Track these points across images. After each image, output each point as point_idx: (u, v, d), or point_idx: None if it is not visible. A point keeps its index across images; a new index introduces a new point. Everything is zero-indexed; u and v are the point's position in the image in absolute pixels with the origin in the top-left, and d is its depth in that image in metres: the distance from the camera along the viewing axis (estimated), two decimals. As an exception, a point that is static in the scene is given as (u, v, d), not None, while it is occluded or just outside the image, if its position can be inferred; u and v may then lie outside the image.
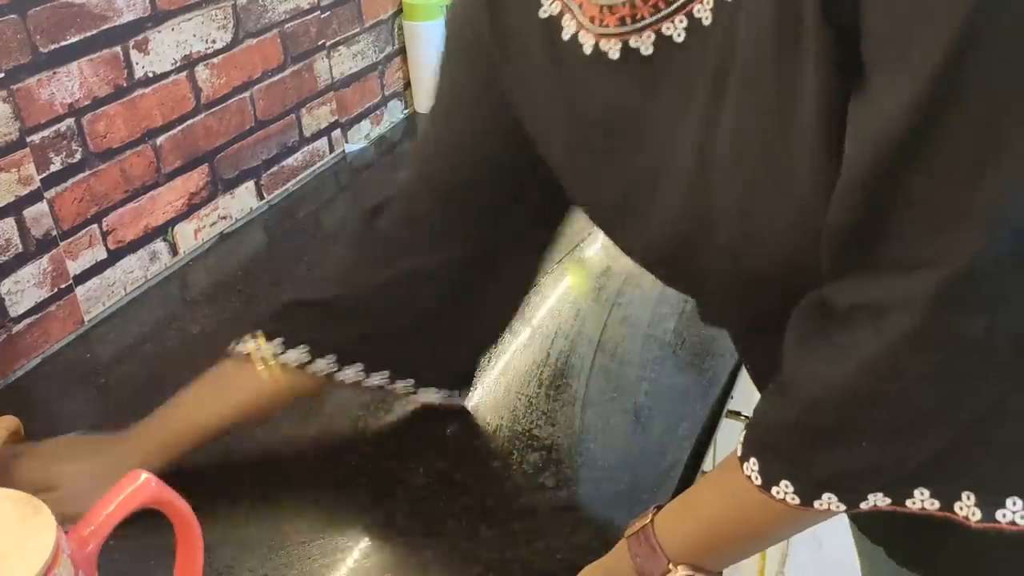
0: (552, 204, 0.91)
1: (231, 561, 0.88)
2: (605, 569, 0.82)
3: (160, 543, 0.89)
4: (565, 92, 0.77)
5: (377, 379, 0.96)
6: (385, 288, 0.93)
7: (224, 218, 1.44)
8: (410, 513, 0.92)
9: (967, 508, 0.65)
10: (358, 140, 1.72)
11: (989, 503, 0.65)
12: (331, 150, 1.66)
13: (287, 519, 0.92)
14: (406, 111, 1.85)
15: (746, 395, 1.23)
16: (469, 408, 1.05)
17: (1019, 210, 0.56)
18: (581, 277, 1.27)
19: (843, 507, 0.68)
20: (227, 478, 0.98)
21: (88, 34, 1.17)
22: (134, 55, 1.24)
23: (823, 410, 0.67)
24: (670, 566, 0.77)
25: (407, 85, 1.84)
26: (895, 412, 0.64)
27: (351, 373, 0.95)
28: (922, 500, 0.66)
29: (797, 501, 0.69)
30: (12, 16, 1.08)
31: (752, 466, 0.71)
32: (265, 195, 1.52)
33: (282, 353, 0.93)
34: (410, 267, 0.92)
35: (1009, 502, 0.65)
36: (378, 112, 1.77)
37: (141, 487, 0.70)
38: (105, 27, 1.19)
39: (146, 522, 0.90)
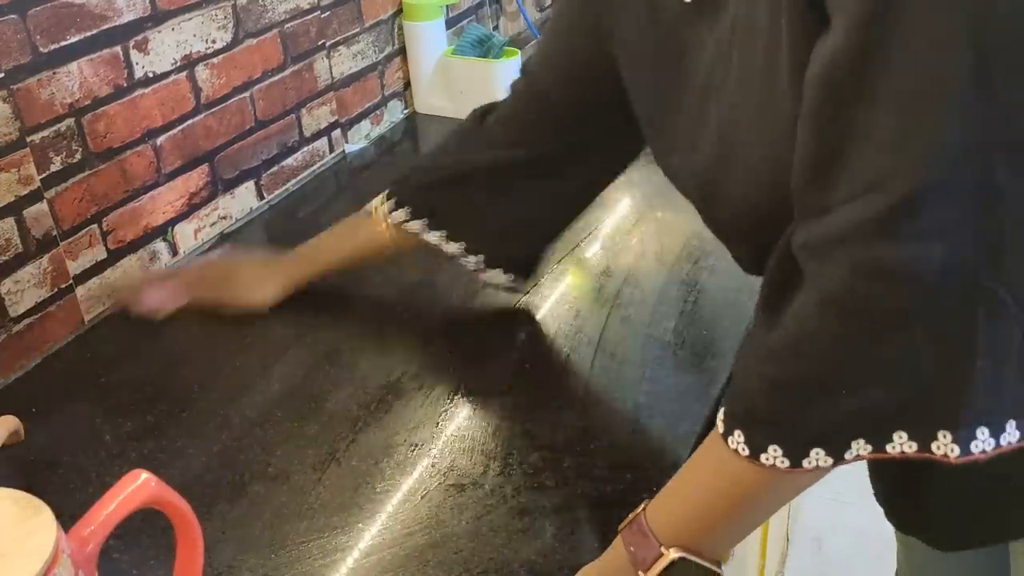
0: (625, 132, 1.03)
1: (231, 561, 0.88)
2: (602, 566, 0.82)
3: (160, 543, 0.90)
4: (655, 33, 0.87)
5: (455, 248, 1.13)
6: (478, 171, 1.10)
7: (224, 218, 1.44)
8: (410, 513, 0.92)
9: (945, 446, 0.67)
10: (358, 140, 1.72)
11: (964, 438, 0.66)
12: (331, 150, 1.66)
13: (287, 519, 0.92)
14: (406, 111, 1.85)
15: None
16: (469, 408, 1.05)
17: (954, 141, 0.60)
18: (581, 277, 1.27)
19: (830, 461, 0.69)
20: (227, 478, 0.98)
21: (88, 34, 1.17)
22: (134, 55, 1.24)
23: (797, 362, 0.69)
24: (663, 550, 0.77)
25: (407, 85, 1.84)
26: (863, 352, 0.66)
27: (435, 237, 1.12)
28: (901, 444, 0.67)
29: (787, 464, 0.70)
30: (12, 16, 1.08)
31: (737, 439, 0.72)
32: (265, 195, 1.52)
33: (391, 212, 1.13)
34: (501, 157, 1.09)
35: (979, 432, 0.66)
36: (378, 112, 1.77)
37: (141, 487, 0.70)
38: (105, 27, 1.19)
39: (146, 522, 0.90)
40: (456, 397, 1.07)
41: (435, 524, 0.90)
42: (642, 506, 0.81)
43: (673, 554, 0.77)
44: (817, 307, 0.67)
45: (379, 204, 1.15)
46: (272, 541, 0.90)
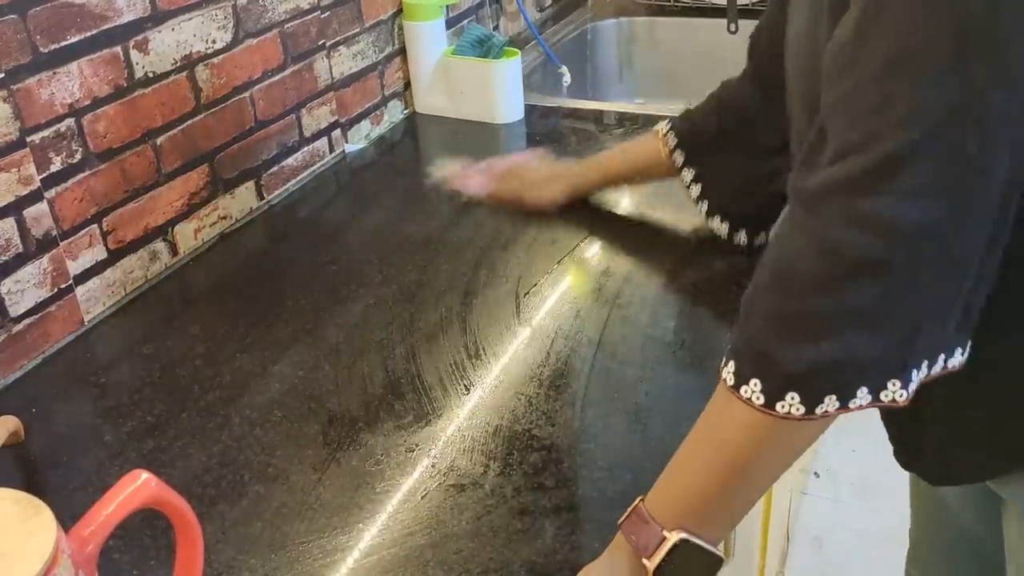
0: None
1: (231, 561, 0.88)
2: (604, 563, 0.83)
3: (160, 543, 0.90)
4: None
5: (695, 189, 1.28)
6: (730, 120, 1.23)
7: (224, 218, 1.44)
8: (410, 513, 0.92)
9: (894, 393, 0.73)
10: (358, 140, 1.72)
11: (907, 382, 0.73)
12: (331, 150, 1.66)
13: (287, 519, 0.92)
14: (406, 111, 1.85)
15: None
16: (469, 408, 1.05)
17: (930, 111, 0.66)
18: (581, 277, 1.27)
19: (803, 410, 0.72)
20: (227, 478, 0.98)
21: (88, 34, 1.17)
22: (134, 55, 1.24)
23: (781, 296, 0.74)
24: (665, 533, 0.78)
25: (407, 85, 1.84)
26: (840, 294, 0.70)
27: (688, 175, 1.28)
28: (861, 399, 0.73)
29: (762, 400, 0.73)
30: (12, 16, 1.08)
31: (729, 369, 0.77)
32: (265, 195, 1.52)
33: (665, 133, 1.29)
34: (741, 104, 1.22)
35: (914, 374, 0.73)
36: (378, 112, 1.77)
37: (141, 487, 0.70)
38: (105, 27, 1.19)
39: (146, 522, 0.91)
40: (456, 397, 1.07)
41: (435, 524, 0.90)
42: (638, 499, 0.82)
43: (675, 536, 0.78)
44: (802, 247, 0.73)
45: (663, 128, 1.30)
46: (272, 541, 0.90)
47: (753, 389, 0.74)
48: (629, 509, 0.82)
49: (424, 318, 1.20)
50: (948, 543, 1.27)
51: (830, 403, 0.72)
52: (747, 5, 2.21)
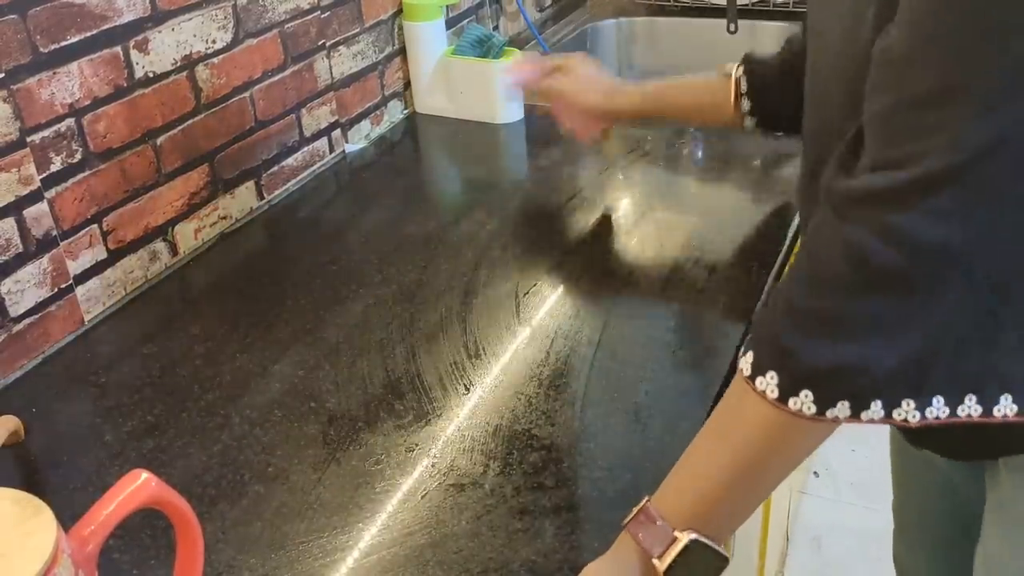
0: None
1: (231, 561, 0.88)
2: (608, 562, 0.82)
3: (160, 543, 0.90)
4: None
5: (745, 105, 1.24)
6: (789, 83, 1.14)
7: (224, 218, 1.44)
8: (410, 513, 0.92)
9: (907, 412, 0.74)
10: (358, 140, 1.72)
11: (923, 405, 0.74)
12: (331, 150, 1.66)
13: (287, 519, 0.92)
14: (406, 111, 1.85)
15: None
16: (469, 408, 1.05)
17: (971, 138, 0.67)
18: (581, 277, 1.27)
19: (813, 409, 0.74)
20: (227, 478, 0.98)
21: (88, 34, 1.17)
22: (134, 55, 1.24)
23: (806, 292, 0.75)
24: (676, 534, 0.79)
25: (407, 85, 1.84)
26: (862, 302, 0.72)
27: (749, 124, 1.26)
28: (873, 412, 0.74)
29: (776, 395, 0.75)
30: (12, 16, 1.08)
31: (747, 359, 0.78)
32: (265, 195, 1.52)
33: (739, 75, 1.25)
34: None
35: (935, 400, 0.75)
36: (378, 112, 1.77)
37: (141, 487, 0.70)
38: (105, 27, 1.19)
39: (146, 522, 0.91)
40: (456, 396, 1.07)
41: (435, 524, 0.90)
42: (645, 499, 0.82)
43: (687, 537, 0.78)
44: (831, 248, 0.74)
45: (733, 67, 1.27)
46: (272, 541, 0.90)
47: (769, 382, 0.75)
48: (636, 509, 0.82)
49: (424, 318, 1.20)
50: (932, 513, 1.28)
51: (842, 408, 0.73)
52: (746, 5, 2.21)
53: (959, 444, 0.97)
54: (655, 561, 0.79)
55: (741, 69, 1.25)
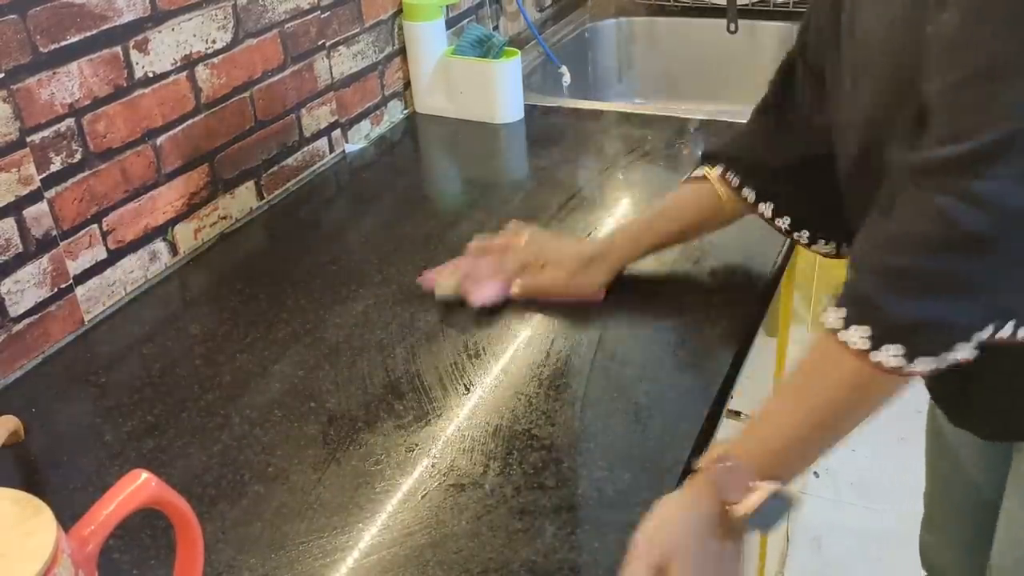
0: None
1: (231, 561, 0.88)
2: (688, 503, 0.86)
3: (160, 543, 0.90)
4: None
5: (783, 222, 1.15)
6: (796, 157, 1.13)
7: (224, 218, 1.44)
8: (410, 513, 0.92)
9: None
10: (358, 140, 1.72)
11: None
12: (331, 150, 1.66)
13: (287, 519, 0.92)
14: (406, 111, 1.85)
15: (746, 394, 1.24)
16: (469, 408, 1.05)
17: None
18: (581, 277, 1.27)
19: (894, 363, 0.80)
20: (227, 478, 0.98)
21: (88, 34, 1.17)
22: (134, 55, 1.24)
23: (894, 254, 0.81)
24: (757, 483, 0.84)
25: (407, 85, 1.84)
26: (948, 262, 0.78)
27: (767, 209, 1.15)
28: (956, 354, 0.81)
29: (865, 346, 0.81)
30: (12, 16, 1.08)
31: (837, 314, 0.83)
32: (265, 195, 1.52)
33: (723, 174, 1.16)
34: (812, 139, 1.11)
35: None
36: (378, 112, 1.77)
37: (141, 487, 0.70)
38: (105, 27, 1.19)
39: (146, 522, 0.91)
40: (456, 396, 1.07)
41: (435, 524, 0.90)
42: (721, 445, 0.87)
43: (769, 488, 0.83)
44: (916, 213, 0.80)
45: (714, 171, 1.17)
46: (272, 541, 0.90)
47: (856, 335, 0.81)
48: (712, 453, 0.87)
49: (424, 318, 1.20)
50: (963, 504, 1.32)
51: (921, 363, 0.80)
52: (746, 5, 2.21)
53: (997, 422, 1.05)
54: (735, 507, 0.84)
55: (718, 169, 1.17)
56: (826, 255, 1.17)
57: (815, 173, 1.09)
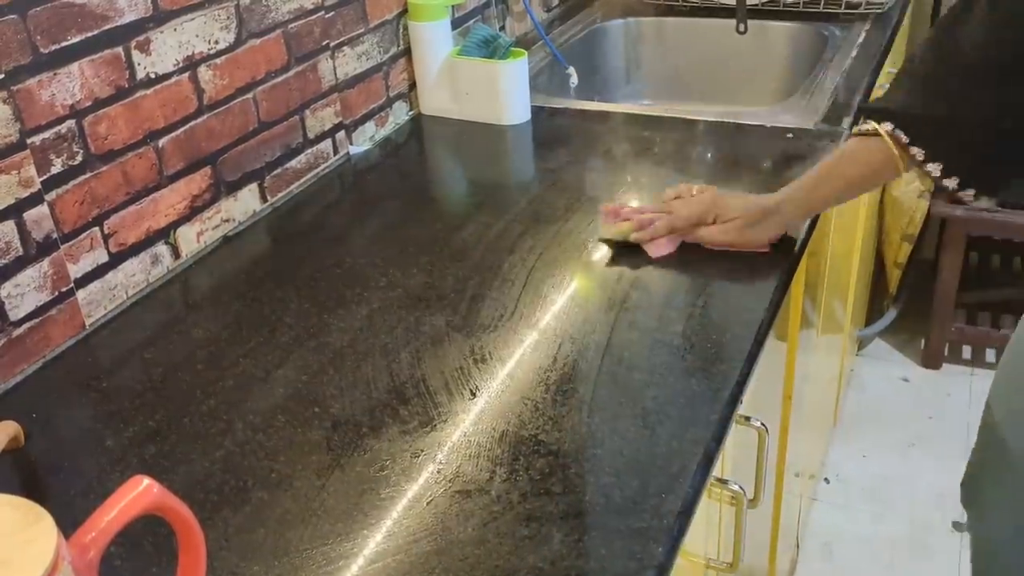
0: None
1: (234, 568, 0.87)
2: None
3: (162, 550, 0.89)
4: None
5: (951, 183, 1.19)
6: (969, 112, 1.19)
7: (227, 221, 1.43)
8: (416, 520, 0.91)
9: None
10: (363, 142, 1.71)
11: None
12: (335, 152, 1.65)
13: (291, 526, 0.91)
14: (411, 112, 1.84)
15: (756, 400, 1.23)
16: (475, 414, 1.04)
17: None
18: (588, 281, 1.26)
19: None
20: (230, 484, 0.97)
21: (89, 34, 1.16)
22: (136, 56, 1.23)
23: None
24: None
25: (412, 86, 1.83)
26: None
27: (934, 168, 1.18)
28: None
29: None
30: (12, 16, 1.07)
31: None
32: (268, 197, 1.51)
33: (892, 130, 1.20)
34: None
35: None
36: (383, 113, 1.76)
37: (143, 493, 0.70)
38: (106, 27, 1.18)
39: (148, 529, 0.90)
40: (462, 402, 1.06)
41: (440, 531, 0.89)
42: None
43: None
44: None
45: (879, 126, 1.20)
46: (275, 548, 0.89)
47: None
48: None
49: (429, 322, 1.19)
50: (1008, 477, 1.31)
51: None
52: (756, 5, 2.20)
53: None
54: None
55: (888, 125, 1.20)
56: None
57: (986, 133, 1.16)
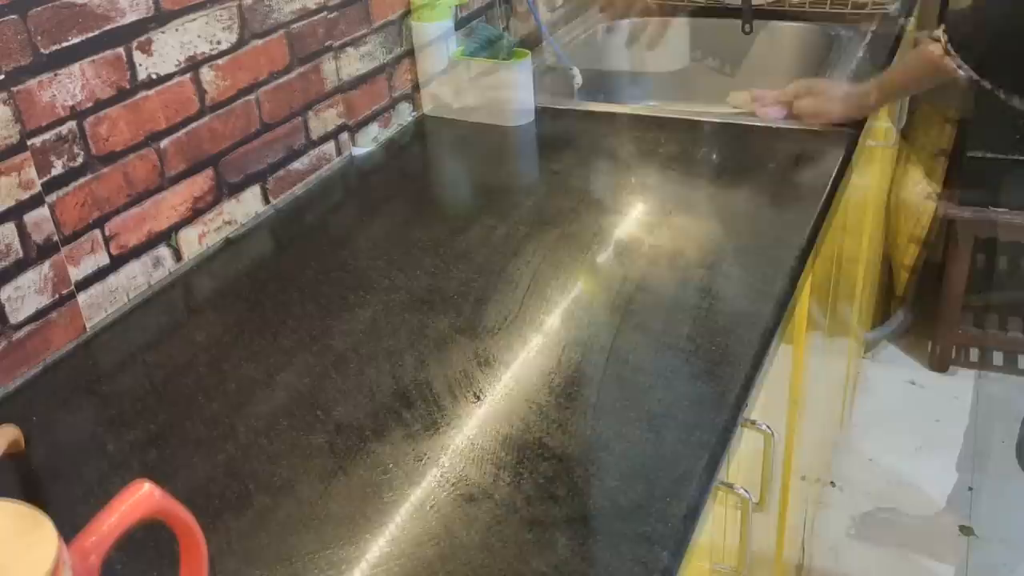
0: None
1: (236, 573, 0.87)
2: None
3: (163, 555, 0.88)
4: None
5: (986, 83, 1.51)
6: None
7: (229, 223, 1.42)
8: (419, 524, 0.90)
9: None
10: (366, 143, 1.70)
11: None
12: (338, 153, 1.64)
13: (293, 531, 0.91)
14: (415, 113, 1.84)
15: (762, 403, 1.22)
16: (479, 418, 1.03)
17: None
18: (593, 283, 1.26)
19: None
20: (232, 489, 0.96)
21: (90, 35, 1.16)
22: (137, 56, 1.22)
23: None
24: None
25: (416, 87, 1.82)
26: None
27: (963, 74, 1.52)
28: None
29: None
30: (12, 16, 1.06)
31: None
32: (271, 199, 1.50)
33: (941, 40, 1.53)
34: None
35: None
36: (386, 114, 1.75)
37: (144, 498, 0.70)
38: (107, 28, 1.18)
39: (149, 534, 0.89)
40: (466, 405, 1.05)
41: (444, 535, 0.89)
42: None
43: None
44: None
45: (942, 34, 1.51)
46: (278, 553, 0.88)
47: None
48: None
49: (433, 325, 1.19)
50: None
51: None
52: (762, 6, 2.20)
53: None
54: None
55: (943, 31, 1.51)
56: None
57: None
